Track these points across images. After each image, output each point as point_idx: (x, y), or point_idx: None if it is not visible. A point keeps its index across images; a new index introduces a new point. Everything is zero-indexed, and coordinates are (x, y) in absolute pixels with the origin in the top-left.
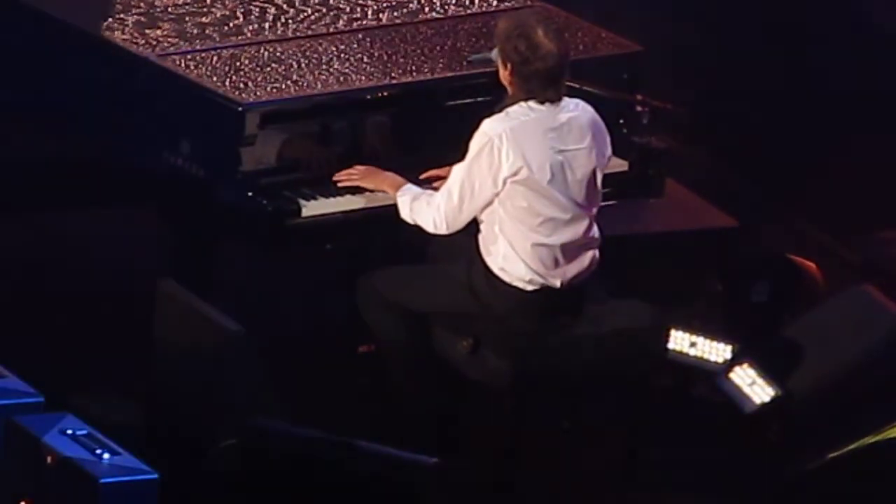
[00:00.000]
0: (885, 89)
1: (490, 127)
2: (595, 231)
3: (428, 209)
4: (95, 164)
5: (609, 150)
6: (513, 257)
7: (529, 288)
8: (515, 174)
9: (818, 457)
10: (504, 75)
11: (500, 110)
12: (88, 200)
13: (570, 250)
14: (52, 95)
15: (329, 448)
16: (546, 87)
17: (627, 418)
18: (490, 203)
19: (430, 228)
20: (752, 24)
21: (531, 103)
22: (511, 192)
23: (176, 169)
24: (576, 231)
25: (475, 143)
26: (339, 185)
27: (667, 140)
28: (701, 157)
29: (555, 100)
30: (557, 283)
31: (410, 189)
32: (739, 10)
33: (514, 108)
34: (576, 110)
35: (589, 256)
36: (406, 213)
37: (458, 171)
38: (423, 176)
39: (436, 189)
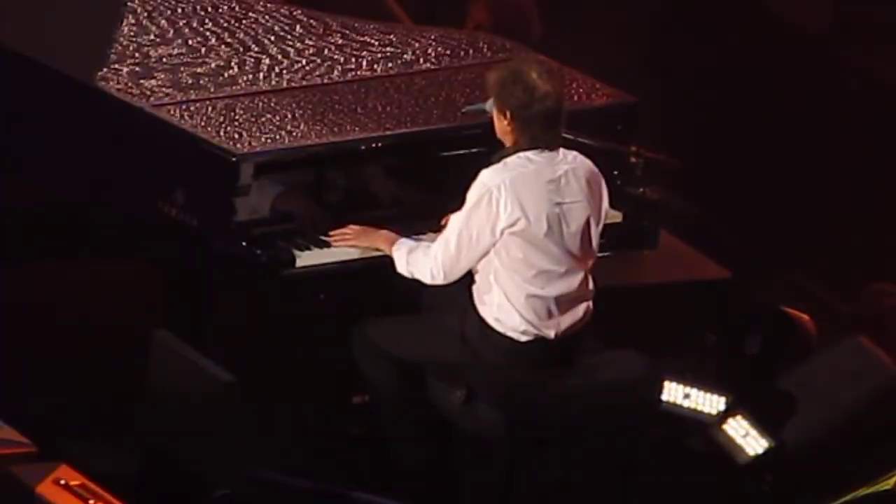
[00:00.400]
0: (878, 142)
1: (489, 177)
2: (590, 283)
3: (425, 259)
4: (90, 214)
5: (606, 203)
6: (507, 307)
7: (523, 339)
8: (513, 225)
9: None
10: (502, 126)
11: (498, 160)
12: (83, 249)
13: (565, 302)
14: (46, 144)
15: (322, 498)
16: (547, 130)
17: (621, 469)
18: (487, 253)
19: (427, 280)
20: (747, 76)
21: (530, 154)
22: (507, 243)
23: (170, 218)
24: (570, 283)
25: (474, 193)
26: (336, 244)
27: (661, 191)
28: (695, 208)
29: (554, 146)
30: (552, 335)
31: (405, 243)
32: (734, 61)
33: (513, 158)
34: (573, 162)
35: (583, 308)
36: (402, 267)
37: (455, 220)
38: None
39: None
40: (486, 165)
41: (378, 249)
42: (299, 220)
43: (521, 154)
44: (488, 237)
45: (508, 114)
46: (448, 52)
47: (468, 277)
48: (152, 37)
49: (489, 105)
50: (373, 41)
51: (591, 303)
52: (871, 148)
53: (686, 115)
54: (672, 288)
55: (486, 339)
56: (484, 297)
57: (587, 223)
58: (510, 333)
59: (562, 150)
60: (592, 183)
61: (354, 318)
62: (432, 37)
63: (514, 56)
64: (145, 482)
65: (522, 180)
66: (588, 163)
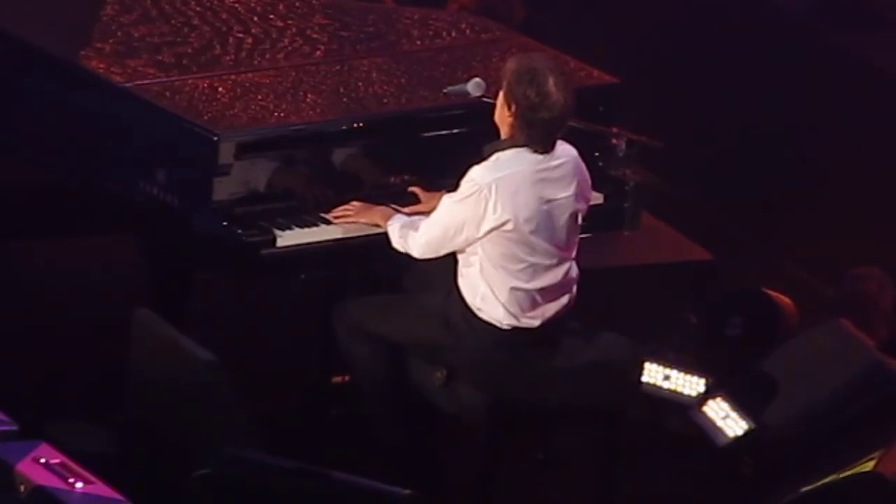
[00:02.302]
0: (861, 125)
1: (480, 175)
2: (574, 271)
3: (414, 236)
4: (71, 193)
5: (591, 193)
6: (491, 299)
7: (506, 328)
8: (501, 226)
9: (791, 490)
10: (503, 115)
11: (491, 153)
12: (64, 229)
13: (550, 292)
14: (27, 123)
15: (303, 478)
16: (546, 138)
17: (601, 450)
18: (472, 243)
19: (416, 255)
20: (730, 58)
21: (524, 151)
22: (493, 239)
23: (152, 198)
24: (556, 274)
25: (464, 188)
26: (336, 221)
27: (643, 173)
28: (677, 190)
29: (549, 150)
30: (536, 324)
31: (400, 218)
32: (717, 43)
33: (507, 154)
34: (563, 156)
35: (567, 295)
36: (395, 241)
37: (444, 206)
38: (409, 189)
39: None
40: (479, 157)
41: (377, 225)
42: (300, 196)
43: (516, 150)
44: (472, 232)
45: (514, 108)
46: (430, 32)
47: (453, 260)
48: (135, 17)
49: (471, 86)
50: (355, 21)
51: (574, 288)
52: (854, 130)
53: (668, 97)
54: (654, 270)
55: (468, 323)
56: (469, 285)
57: (574, 216)
58: (493, 322)
59: None
60: (579, 175)
61: (335, 298)
62: (415, 17)
63: (494, 36)
64: (126, 461)
65: (513, 180)
66: (574, 153)
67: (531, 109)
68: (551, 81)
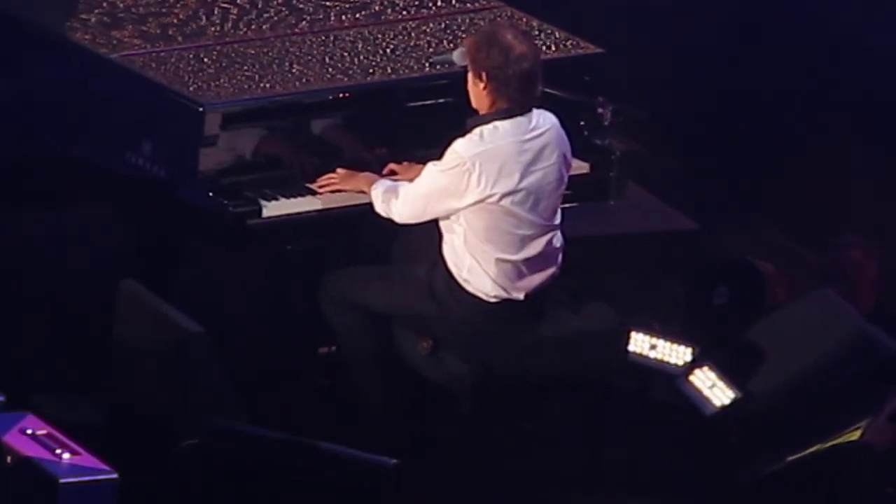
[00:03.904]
0: (847, 93)
1: (464, 148)
2: (558, 240)
3: (395, 202)
4: (57, 164)
5: (572, 160)
6: (478, 271)
7: (493, 300)
8: (483, 200)
9: (778, 459)
10: (478, 92)
11: (474, 127)
12: (49, 200)
13: (535, 262)
14: (11, 94)
15: (289, 449)
16: (523, 91)
17: (588, 420)
18: (452, 212)
19: (397, 220)
20: (713, 27)
21: (505, 124)
22: (477, 211)
23: (138, 169)
24: (540, 244)
25: (448, 160)
26: (322, 190)
27: (628, 142)
28: (662, 159)
29: (528, 108)
30: (521, 296)
31: (383, 183)
32: (701, 13)
33: (489, 128)
34: (544, 125)
35: (553, 265)
36: (378, 206)
37: (428, 173)
38: (385, 170)
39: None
40: (461, 132)
41: (361, 191)
42: (286, 167)
43: (498, 124)
44: (453, 203)
45: (485, 75)
46: (416, 2)
47: (438, 231)
48: None
49: (456, 55)
50: None
51: (560, 257)
52: (842, 99)
53: (653, 66)
54: (639, 239)
55: (453, 295)
56: (454, 258)
57: (558, 184)
58: (479, 294)
59: (534, 110)
60: (560, 143)
61: (322, 269)
62: None
63: (480, 5)
64: (112, 432)
65: (497, 154)
66: (555, 121)
67: (500, 69)
68: (509, 36)
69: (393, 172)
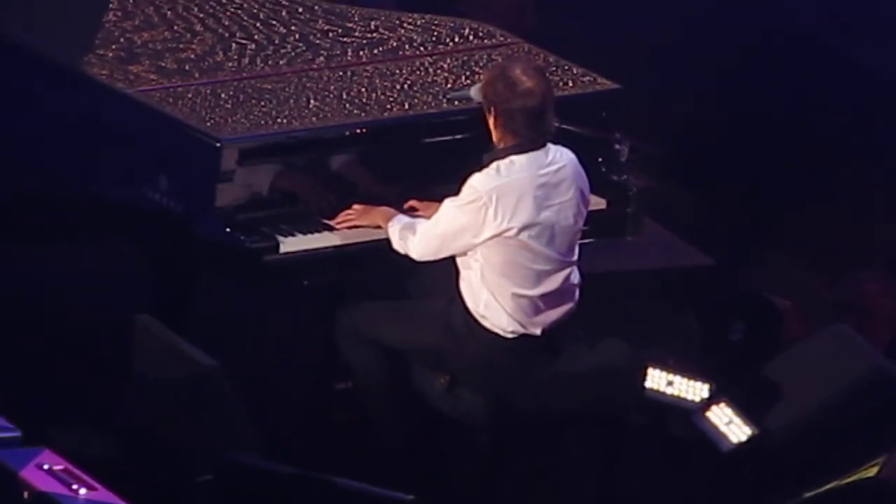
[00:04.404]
0: (863, 129)
1: (481, 183)
2: (576, 276)
3: (413, 238)
4: (75, 199)
5: (590, 196)
6: (494, 306)
7: (509, 336)
8: (500, 234)
9: (794, 496)
10: (492, 128)
11: (490, 161)
12: (67, 235)
13: (552, 298)
14: (31, 129)
15: (305, 484)
16: (530, 127)
17: (603, 456)
18: (470, 248)
19: (415, 257)
20: (731, 64)
21: (521, 158)
22: (494, 246)
23: (155, 204)
24: (557, 280)
25: (465, 195)
26: (339, 227)
27: (645, 178)
28: (679, 195)
29: (539, 144)
30: (538, 332)
31: (400, 219)
32: (719, 50)
33: (505, 163)
34: (561, 160)
35: (570, 301)
36: (396, 243)
37: (445, 209)
38: (406, 206)
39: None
40: (479, 167)
41: (378, 226)
42: (303, 202)
43: (514, 158)
44: (470, 239)
45: (493, 109)
46: (433, 38)
47: (455, 266)
48: (137, 22)
49: (474, 91)
50: (357, 27)
51: (577, 293)
52: (854, 134)
53: (670, 103)
54: (656, 275)
55: (471, 331)
56: (471, 292)
57: (575, 220)
58: (496, 330)
59: (550, 146)
60: (578, 179)
61: (338, 304)
62: (417, 23)
63: (497, 42)
64: (129, 467)
65: (514, 187)
66: (572, 157)
67: (505, 102)
68: (518, 71)
69: (413, 209)
